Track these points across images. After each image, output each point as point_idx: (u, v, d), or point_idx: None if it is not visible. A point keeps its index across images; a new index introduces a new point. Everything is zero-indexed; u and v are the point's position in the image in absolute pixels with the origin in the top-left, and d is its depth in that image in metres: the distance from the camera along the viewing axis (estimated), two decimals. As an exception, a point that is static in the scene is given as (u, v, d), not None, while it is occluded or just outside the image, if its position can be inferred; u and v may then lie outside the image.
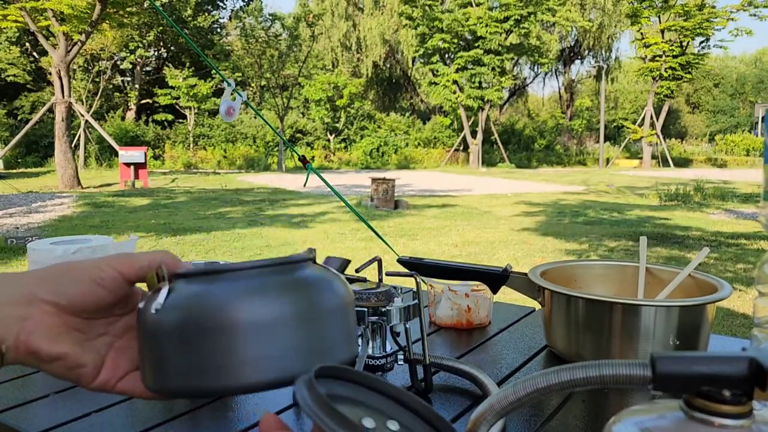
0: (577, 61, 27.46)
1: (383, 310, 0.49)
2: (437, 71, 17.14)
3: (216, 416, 0.49)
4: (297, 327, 0.28)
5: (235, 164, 16.49)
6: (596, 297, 0.58)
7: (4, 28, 10.29)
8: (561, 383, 0.25)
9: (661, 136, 18.69)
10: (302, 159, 1.51)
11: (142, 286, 0.31)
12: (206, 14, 20.54)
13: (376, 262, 0.53)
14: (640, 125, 18.72)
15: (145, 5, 10.78)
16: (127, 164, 9.70)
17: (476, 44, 16.19)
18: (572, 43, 26.07)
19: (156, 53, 20.25)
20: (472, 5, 16.22)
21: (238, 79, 16.13)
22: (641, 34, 17.77)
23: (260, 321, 0.27)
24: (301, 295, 0.29)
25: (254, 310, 0.27)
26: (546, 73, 27.47)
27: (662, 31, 17.34)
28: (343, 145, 19.21)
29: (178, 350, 0.28)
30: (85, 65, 16.45)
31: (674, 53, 17.39)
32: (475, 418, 0.27)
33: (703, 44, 18.02)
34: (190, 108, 17.10)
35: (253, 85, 17.85)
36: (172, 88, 16.54)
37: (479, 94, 16.45)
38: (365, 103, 19.67)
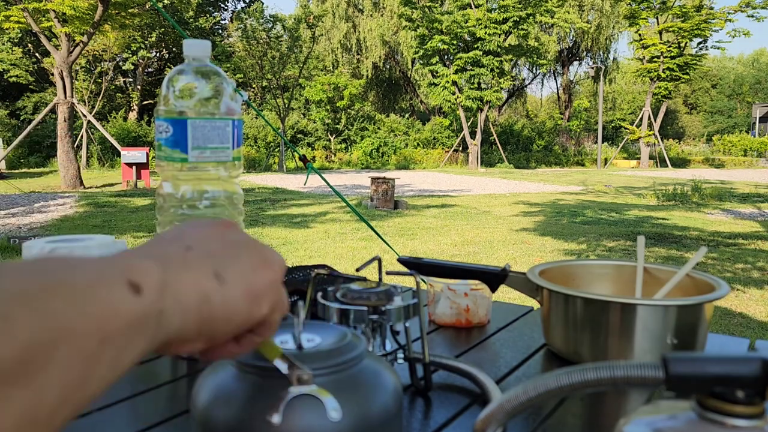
0: (576, 63, 27.48)
1: (383, 309, 0.50)
2: (437, 72, 17.16)
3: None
4: None
5: (235, 165, 16.48)
6: (594, 296, 0.58)
7: (7, 29, 10.29)
8: (572, 384, 0.25)
9: (658, 137, 18.70)
10: (303, 158, 1.51)
11: None
12: (208, 15, 20.55)
13: (376, 262, 0.54)
14: (638, 126, 18.74)
15: (147, 6, 10.79)
16: (129, 164, 9.70)
17: (475, 45, 16.21)
18: (570, 45, 26.11)
19: (158, 54, 20.26)
20: (471, 7, 16.24)
21: (240, 80, 16.12)
22: (639, 35, 17.79)
23: None
24: (368, 407, 0.30)
25: (334, 429, 0.29)
26: (544, 75, 27.51)
27: (660, 33, 17.36)
28: (343, 145, 19.22)
29: None
30: (88, 66, 16.45)
31: (672, 54, 17.41)
32: (485, 417, 0.27)
33: (701, 45, 18.04)
34: (191, 109, 17.08)
35: (254, 86, 17.86)
36: (173, 89, 16.50)
37: (478, 95, 16.47)
38: (365, 104, 19.68)
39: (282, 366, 0.29)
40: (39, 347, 0.17)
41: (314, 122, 19.03)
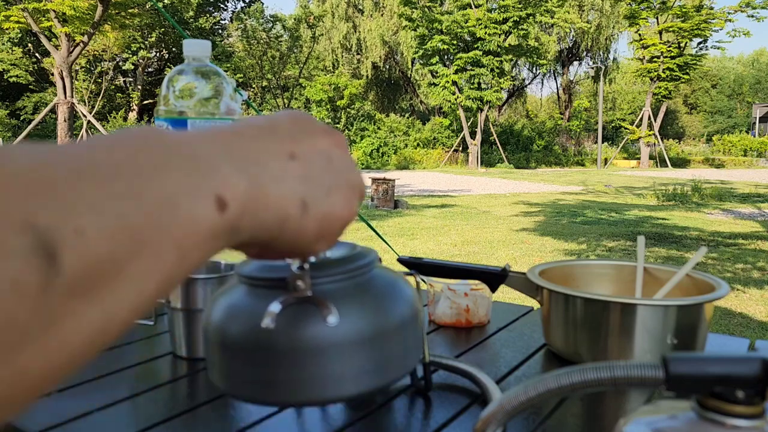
0: (576, 63, 27.48)
1: (383, 308, 0.50)
2: (437, 72, 17.17)
3: (218, 415, 0.50)
4: (373, 347, 0.29)
5: (235, 165, 16.51)
6: (594, 296, 0.58)
7: (7, 29, 10.29)
8: (572, 384, 0.25)
9: (658, 137, 18.71)
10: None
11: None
12: (208, 16, 20.56)
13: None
14: (638, 126, 18.75)
15: (147, 6, 10.80)
16: (128, 165, 9.71)
17: (475, 45, 16.22)
18: (570, 45, 26.12)
19: (158, 54, 20.27)
20: (471, 7, 16.25)
21: (240, 80, 16.13)
22: (639, 35, 17.80)
23: (339, 344, 0.28)
24: (379, 314, 0.29)
25: (336, 335, 0.28)
26: (544, 75, 27.51)
27: (660, 33, 17.37)
28: (343, 145, 19.23)
29: (251, 364, 0.28)
30: (88, 66, 16.46)
31: (672, 54, 17.42)
32: (485, 418, 0.27)
33: (701, 45, 18.05)
34: (190, 109, 17.12)
35: (254, 86, 17.88)
36: (173, 89, 16.53)
37: (478, 95, 16.47)
38: (365, 103, 19.69)
39: (294, 266, 0.28)
40: (111, 261, 0.15)
41: (314, 122, 19.03)
